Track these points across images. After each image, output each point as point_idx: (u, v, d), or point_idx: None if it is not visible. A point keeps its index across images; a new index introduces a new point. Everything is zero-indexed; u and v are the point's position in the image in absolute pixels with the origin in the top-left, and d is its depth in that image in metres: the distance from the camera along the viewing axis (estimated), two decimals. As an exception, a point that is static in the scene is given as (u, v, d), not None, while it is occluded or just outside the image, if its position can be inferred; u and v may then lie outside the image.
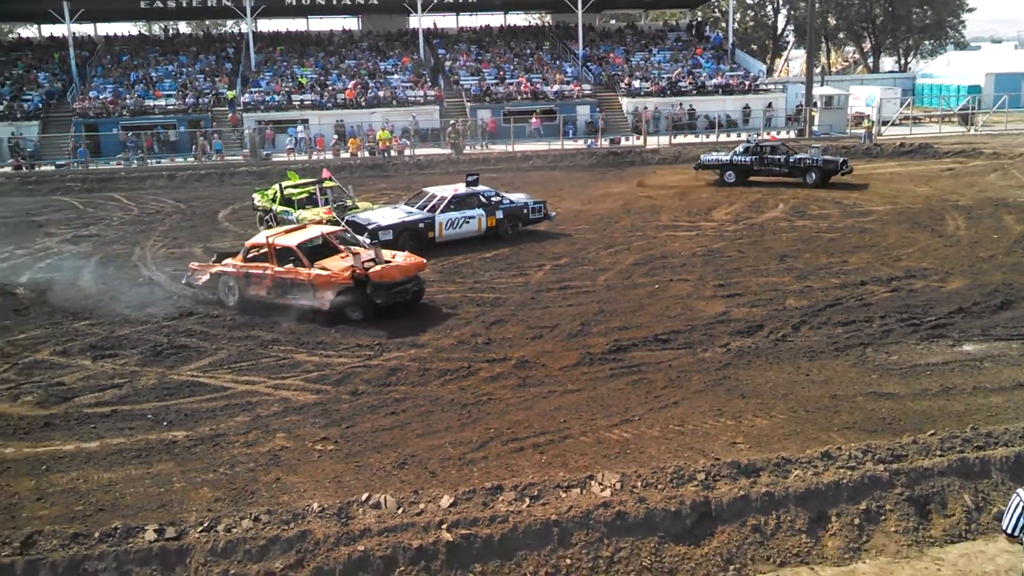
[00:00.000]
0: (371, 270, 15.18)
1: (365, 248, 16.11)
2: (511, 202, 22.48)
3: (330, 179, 23.17)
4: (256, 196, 24.88)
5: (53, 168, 39.27)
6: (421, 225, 20.68)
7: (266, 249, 16.17)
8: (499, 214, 21.84)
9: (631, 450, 9.98)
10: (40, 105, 45.42)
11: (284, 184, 23.55)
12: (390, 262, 15.68)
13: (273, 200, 23.36)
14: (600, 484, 8.62)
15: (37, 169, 39.31)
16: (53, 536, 7.93)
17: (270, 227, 22.54)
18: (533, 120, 45.38)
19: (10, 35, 65.69)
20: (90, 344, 14.36)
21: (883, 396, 11.27)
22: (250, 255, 16.53)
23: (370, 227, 19.98)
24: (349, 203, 22.95)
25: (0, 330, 15.34)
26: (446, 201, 21.29)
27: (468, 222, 21.33)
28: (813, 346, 13.19)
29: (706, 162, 30.97)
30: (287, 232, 16.77)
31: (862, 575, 7.55)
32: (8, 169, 39.29)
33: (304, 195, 22.89)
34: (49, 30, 57.50)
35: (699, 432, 10.39)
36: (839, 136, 42.95)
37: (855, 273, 17.43)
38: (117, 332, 15.00)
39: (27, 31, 64.68)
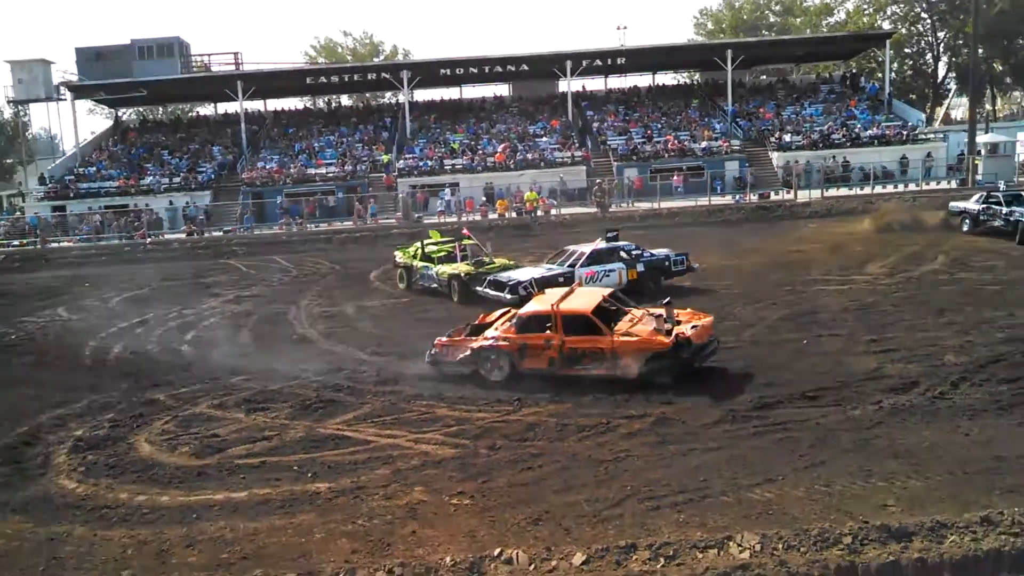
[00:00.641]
0: (688, 332, 14.56)
1: (660, 308, 15.35)
2: (652, 255, 22.35)
3: (469, 237, 24.32)
4: (398, 254, 25.96)
5: (221, 234, 41.86)
6: (561, 280, 20.56)
7: (549, 317, 14.93)
8: (640, 267, 21.73)
9: (773, 511, 9.55)
10: (213, 176, 48.72)
11: (425, 242, 24.81)
12: (680, 322, 14.94)
13: (414, 257, 24.51)
14: (739, 545, 8.31)
15: (207, 235, 41.97)
16: (200, 582, 8.26)
17: (405, 281, 24.42)
18: (675, 178, 45.06)
19: (190, 114, 70.92)
20: (244, 398, 15.05)
21: (1053, 458, 10.40)
22: (525, 325, 15.16)
23: (510, 283, 20.33)
24: (486, 259, 23.58)
25: (164, 384, 16.30)
26: (585, 256, 21.34)
27: (608, 275, 21.26)
28: (974, 404, 12.34)
29: (952, 210, 30.07)
30: (564, 298, 15.39)
31: (1027, 652, 6.92)
32: (181, 235, 42.17)
33: (443, 252, 24.10)
34: (224, 107, 61.87)
35: (847, 494, 9.84)
36: (1009, 184, 40.56)
37: (1022, 328, 16.28)
38: (270, 387, 15.67)
39: (204, 109, 69.75)
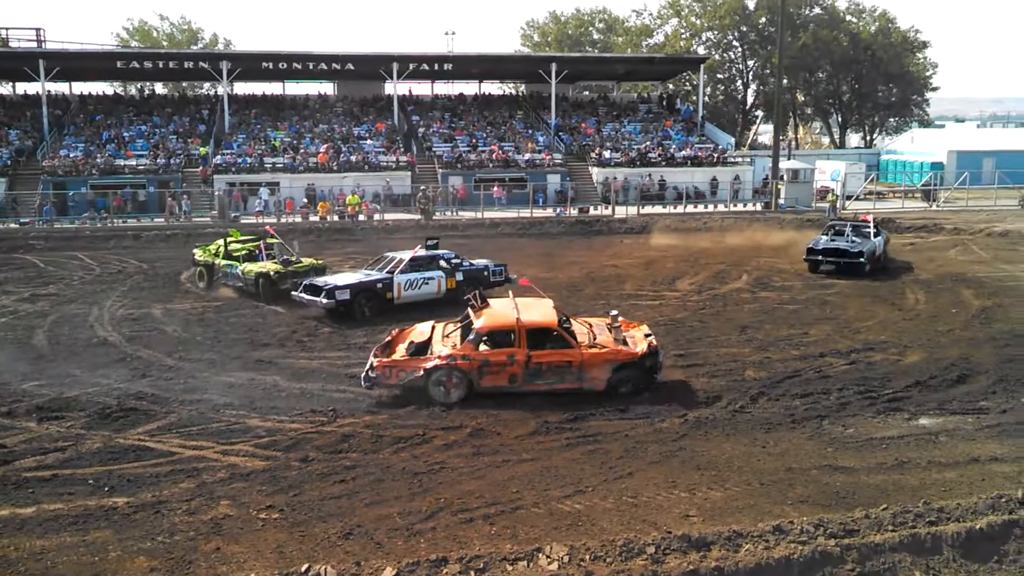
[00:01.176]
0: (650, 342, 14.53)
1: (609, 319, 15.18)
2: (471, 264, 22.64)
3: (273, 236, 24.75)
4: (197, 252, 25.58)
5: (17, 226, 38.89)
6: (379, 286, 20.71)
7: (512, 332, 14.31)
8: (459, 276, 21.91)
9: (583, 522, 9.80)
10: (9, 162, 45.19)
11: (228, 240, 24.61)
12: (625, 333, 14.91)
13: (216, 255, 24.31)
14: (548, 557, 8.44)
15: (0, 227, 38.89)
16: (-26, 607, 7.61)
17: (206, 280, 24.31)
18: (495, 189, 45.60)
19: (-17, 92, 65.64)
20: (37, 405, 14.03)
21: (838, 469, 11.19)
22: (485, 340, 14.44)
23: (327, 288, 20.05)
24: (293, 259, 23.53)
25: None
26: (405, 263, 21.32)
27: (427, 283, 21.40)
28: (771, 418, 13.14)
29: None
30: (521, 310, 14.70)
31: (811, 655, 7.38)
32: (-29, 226, 38.92)
33: (245, 251, 24.02)
34: (23, 88, 57.57)
35: (652, 504, 10.24)
36: (805, 209, 43.55)
37: (815, 345, 17.52)
38: (66, 394, 14.68)
39: (1, 89, 64.73)
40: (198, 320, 20.56)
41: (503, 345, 14.27)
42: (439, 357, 14.19)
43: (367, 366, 14.53)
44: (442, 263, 22.00)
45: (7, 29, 52.41)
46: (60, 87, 55.48)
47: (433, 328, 15.79)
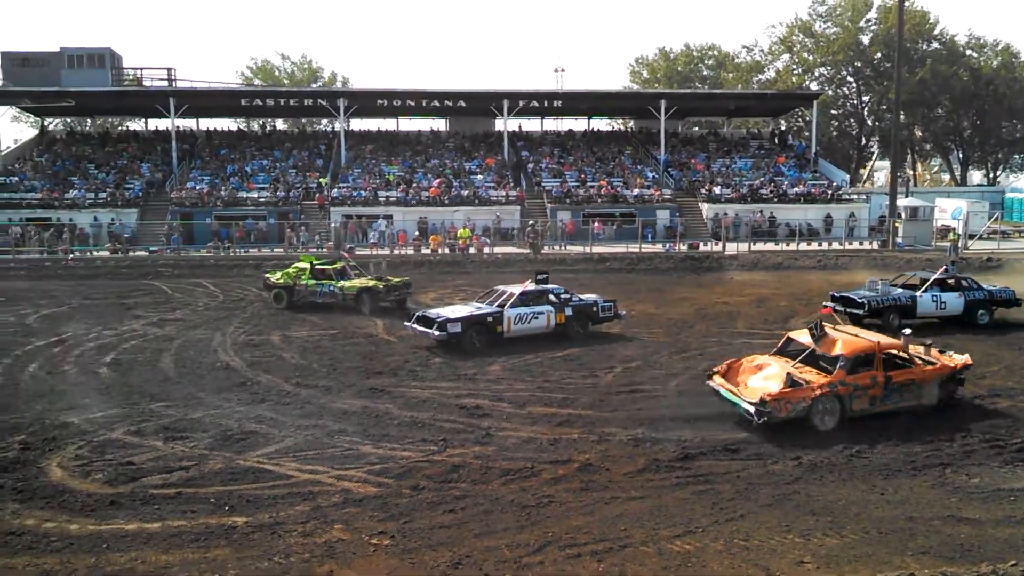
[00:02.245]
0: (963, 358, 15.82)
1: (905, 337, 15.74)
2: (581, 300, 22.67)
3: (348, 259, 28.42)
4: (269, 275, 28.36)
5: (147, 253, 40.92)
6: (490, 319, 20.93)
7: (871, 355, 14.68)
8: (568, 311, 21.94)
9: (692, 563, 9.64)
10: (140, 194, 47.69)
11: (315, 263, 27.78)
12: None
13: (296, 278, 27.10)
14: (658, 597, 8.33)
15: (131, 254, 40.98)
16: (103, 617, 7.97)
17: (284, 300, 27.08)
18: (595, 224, 45.48)
19: (119, 128, 69.51)
20: (163, 425, 14.68)
21: (962, 521, 10.70)
22: (855, 365, 14.61)
23: (439, 320, 20.45)
24: (383, 277, 26.51)
25: (79, 408, 15.81)
26: (515, 297, 21.52)
27: (537, 318, 21.49)
28: (890, 464, 12.67)
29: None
30: (852, 336, 15.29)
31: None
32: (105, 253, 41.11)
33: (334, 271, 26.98)
34: (155, 124, 60.75)
35: (764, 548, 10.00)
36: (924, 248, 42.12)
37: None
38: (190, 415, 15.31)
39: (134, 124, 68.41)
40: (314, 348, 21.18)
41: (864, 369, 14.64)
42: (820, 387, 14.22)
43: (751, 402, 14.11)
44: (551, 297, 22.07)
45: (141, 69, 55.60)
46: (188, 123, 58.39)
47: (767, 360, 15.82)
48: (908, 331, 15.93)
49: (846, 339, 15.06)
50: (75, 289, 31.98)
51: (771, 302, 27.99)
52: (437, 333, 20.26)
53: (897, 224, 44.00)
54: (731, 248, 41.94)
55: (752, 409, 14.01)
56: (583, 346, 20.99)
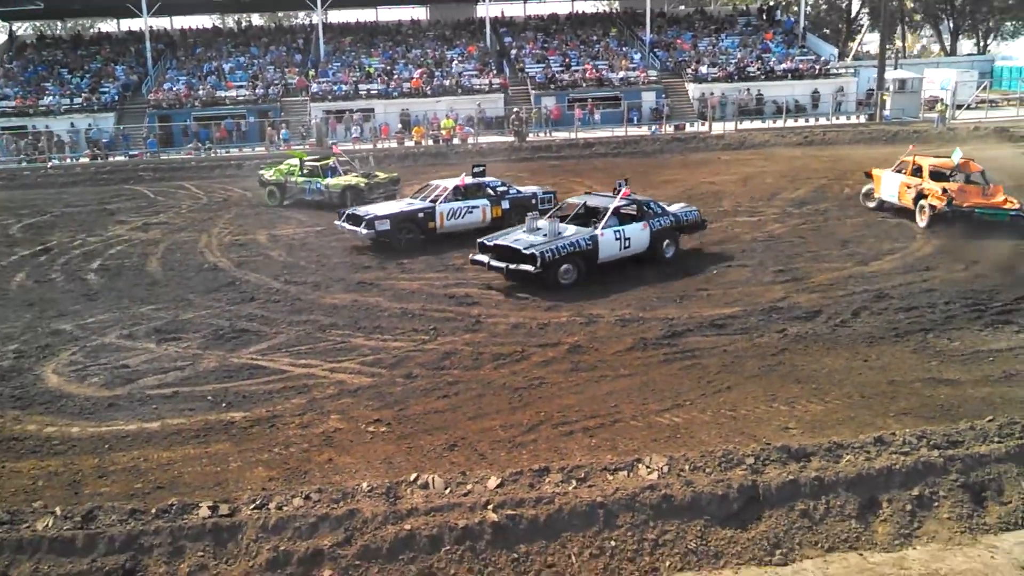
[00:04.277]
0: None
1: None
2: (519, 192, 21.97)
3: (339, 155, 27.08)
4: (264, 172, 27.81)
5: (126, 158, 40.39)
6: (421, 215, 20.15)
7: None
8: (505, 204, 21.20)
9: (681, 434, 9.91)
10: (116, 97, 46.72)
11: (303, 159, 26.93)
12: None
13: (288, 174, 26.50)
14: (647, 467, 8.57)
15: (111, 159, 40.45)
16: (112, 511, 8.17)
17: (278, 198, 26.75)
18: (577, 110, 44.73)
19: (91, 29, 67.57)
20: (155, 328, 14.77)
21: (942, 382, 10.99)
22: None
23: (367, 218, 19.68)
24: (371, 173, 25.49)
25: (70, 314, 15.88)
26: (448, 191, 20.73)
27: (471, 212, 20.73)
28: (872, 332, 12.92)
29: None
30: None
31: (913, 561, 7.37)
32: (84, 159, 40.59)
33: (320, 169, 26.04)
34: (127, 24, 59.04)
35: (751, 417, 10.27)
36: (911, 120, 41.81)
37: (919, 258, 17.01)
38: (181, 316, 15.41)
39: (106, 25, 66.49)
40: (301, 245, 21.17)
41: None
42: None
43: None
44: (488, 191, 21.31)
45: (111, -34, 53.60)
46: (161, 22, 56.70)
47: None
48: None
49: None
50: (56, 197, 31.66)
51: (757, 180, 27.92)
52: (364, 231, 19.62)
53: (885, 97, 43.50)
54: (718, 128, 41.55)
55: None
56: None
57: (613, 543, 7.66)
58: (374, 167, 25.71)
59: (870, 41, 75.35)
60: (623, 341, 13.05)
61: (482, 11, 55.21)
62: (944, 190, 19.46)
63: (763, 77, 48.48)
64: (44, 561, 7.58)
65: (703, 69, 49.13)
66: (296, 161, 27.12)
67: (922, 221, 19.93)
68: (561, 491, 8.21)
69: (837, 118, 44.45)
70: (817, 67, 49.35)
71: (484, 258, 16.67)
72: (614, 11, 64.82)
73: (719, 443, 9.41)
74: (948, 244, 18.14)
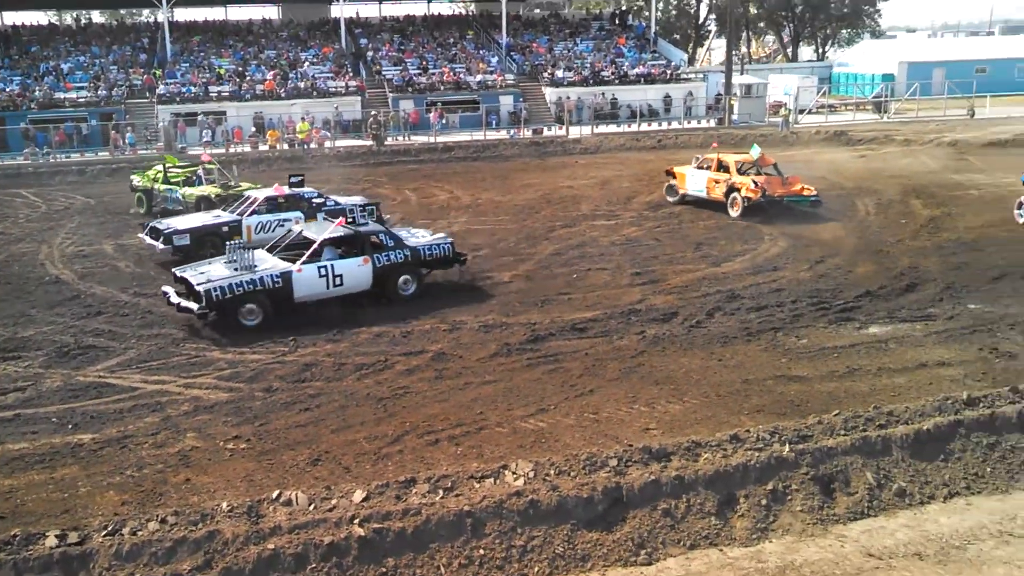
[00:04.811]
0: None
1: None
2: (336, 203, 20.54)
3: (210, 162, 24.92)
4: (135, 177, 26.27)
5: (-45, 164, 37.75)
6: (225, 229, 18.82)
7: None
8: (320, 216, 19.46)
9: (546, 439, 10.03)
10: (-58, 98, 43.61)
11: (167, 166, 25.30)
12: None
13: (155, 180, 24.81)
14: (514, 473, 8.63)
15: (-61, 165, 37.73)
16: (-53, 544, 7.64)
17: (145, 205, 24.99)
18: (432, 114, 44.70)
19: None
20: (-9, 347, 13.87)
21: (792, 379, 11.54)
22: None
23: (166, 231, 18.78)
24: (231, 183, 23.69)
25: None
26: (258, 203, 19.71)
27: (283, 225, 19.12)
28: (726, 332, 13.44)
29: None
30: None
31: (769, 554, 7.69)
32: (-92, 165, 37.68)
33: (184, 176, 24.54)
34: (-50, 20, 55.28)
35: (613, 419, 10.49)
36: (758, 124, 43.73)
37: (767, 259, 17.81)
38: (21, 333, 14.51)
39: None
40: (151, 255, 20.26)
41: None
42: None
43: None
44: (303, 203, 20.09)
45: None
46: (-10, 18, 53.37)
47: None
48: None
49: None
50: None
51: (614, 184, 28.59)
52: (161, 246, 18.50)
53: (733, 102, 45.34)
54: (575, 132, 42.32)
55: None
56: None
57: (482, 552, 7.67)
58: (237, 177, 24.33)
59: (718, 47, 78.37)
60: (487, 347, 13.11)
61: (336, 11, 54.33)
62: (755, 183, 21.71)
63: (617, 81, 49.67)
64: None
65: (559, 73, 49.93)
66: (164, 166, 25.76)
67: (734, 212, 22.12)
68: (428, 502, 8.17)
69: (688, 122, 46.05)
70: (668, 72, 50.96)
71: (169, 290, 14.94)
72: (470, 13, 65.11)
73: (583, 446, 9.58)
74: (794, 242, 19.06)
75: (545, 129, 44.38)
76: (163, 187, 24.54)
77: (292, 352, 13.23)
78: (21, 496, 9.19)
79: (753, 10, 77.66)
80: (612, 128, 44.36)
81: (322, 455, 9.84)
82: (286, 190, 20.25)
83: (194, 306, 14.04)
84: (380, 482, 8.60)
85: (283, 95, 45.38)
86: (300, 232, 16.12)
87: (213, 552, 7.49)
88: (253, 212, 19.48)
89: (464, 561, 7.60)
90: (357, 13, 58.43)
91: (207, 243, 18.52)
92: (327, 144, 40.10)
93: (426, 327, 14.17)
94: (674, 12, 77.79)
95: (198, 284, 14.12)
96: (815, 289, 15.51)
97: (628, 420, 10.46)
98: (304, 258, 14.96)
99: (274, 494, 8.40)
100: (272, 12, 59.87)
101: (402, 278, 15.77)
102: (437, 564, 7.57)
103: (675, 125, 45.29)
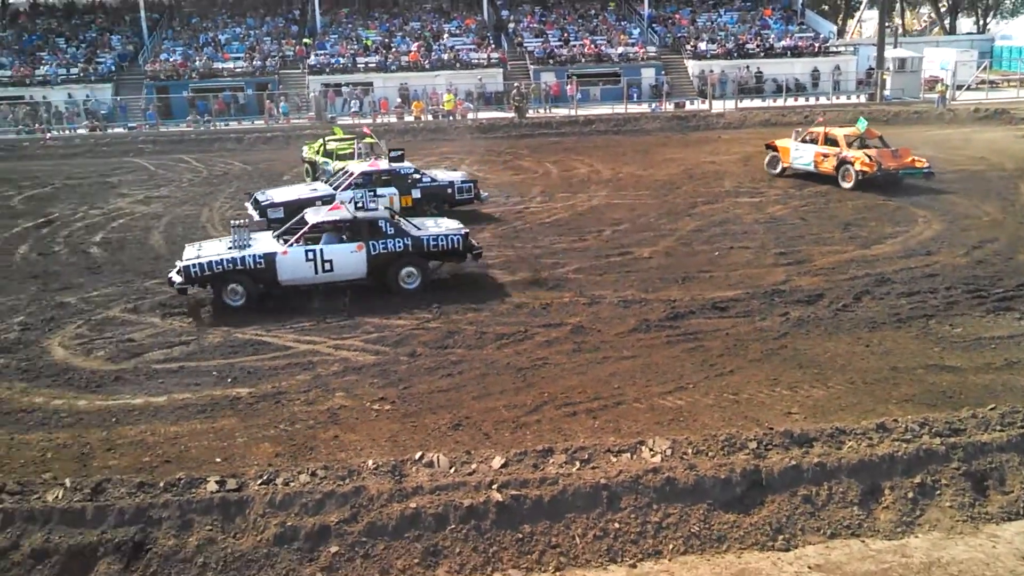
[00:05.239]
0: None
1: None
2: (432, 180, 20.85)
3: (370, 136, 24.77)
4: (305, 148, 26.93)
5: (125, 130, 40.20)
6: (319, 202, 18.53)
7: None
8: (416, 193, 20.29)
9: (684, 417, 10.00)
10: (113, 68, 46.41)
11: (328, 138, 25.78)
12: None
13: (318, 152, 25.30)
14: (651, 450, 8.67)
15: (110, 131, 40.25)
16: (121, 484, 8.27)
17: (311, 176, 24.96)
18: (569, 87, 44.43)
19: (84, -2, 66.95)
20: (159, 302, 14.80)
21: (944, 369, 11.08)
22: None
23: (264, 203, 19.38)
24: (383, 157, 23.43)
25: (75, 288, 15.89)
26: (353, 178, 19.98)
27: (377, 200, 18.01)
28: (875, 317, 13.00)
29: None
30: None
31: (914, 549, 7.49)
32: (83, 131, 40.39)
33: (343, 150, 24.54)
34: (121, -8, 58.45)
35: (754, 401, 10.36)
36: (912, 100, 41.75)
37: (921, 242, 17.08)
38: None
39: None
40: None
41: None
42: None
43: None
44: (398, 178, 20.32)
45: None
46: (156, -9, 56.12)
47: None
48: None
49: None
50: (56, 169, 31.54)
51: (757, 160, 27.84)
52: (258, 217, 19.01)
53: (885, 76, 43.40)
54: (718, 106, 41.46)
55: None
56: (571, 212, 21.02)
57: (617, 525, 7.76)
58: (385, 151, 24.47)
59: (869, 18, 74.91)
60: (626, 322, 13.12)
61: (479, -19, 54.86)
62: (869, 156, 22.16)
63: (762, 54, 48.30)
64: (55, 532, 7.68)
65: (702, 46, 48.92)
66: (325, 139, 26.18)
67: (847, 184, 22.57)
68: (565, 472, 8.31)
69: (837, 97, 44.36)
70: (816, 45, 49.15)
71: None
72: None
73: (722, 427, 9.50)
74: (950, 225, 18.21)
75: (687, 103, 43.64)
76: (322, 160, 24.85)
77: (436, 319, 13.59)
78: (185, 442, 9.84)
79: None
80: (757, 103, 43.18)
81: (463, 420, 10.12)
82: (382, 165, 20.57)
83: (178, 279, 14.20)
84: (518, 450, 8.80)
85: (427, 66, 46.16)
86: (303, 215, 15.71)
87: (359, 507, 7.85)
88: (349, 187, 19.57)
89: (599, 533, 7.71)
90: (500, -16, 58.60)
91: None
92: (470, 116, 40.61)
93: (565, 300, 14.28)
94: (824, -19, 74.67)
95: (184, 260, 14.32)
96: (972, 276, 14.78)
97: (769, 403, 10.31)
98: (291, 241, 14.70)
99: (417, 455, 8.71)
100: (417, -17, 60.73)
101: (404, 270, 14.96)
102: (572, 534, 7.70)
103: (823, 100, 43.70)
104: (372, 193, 18.66)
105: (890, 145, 23.06)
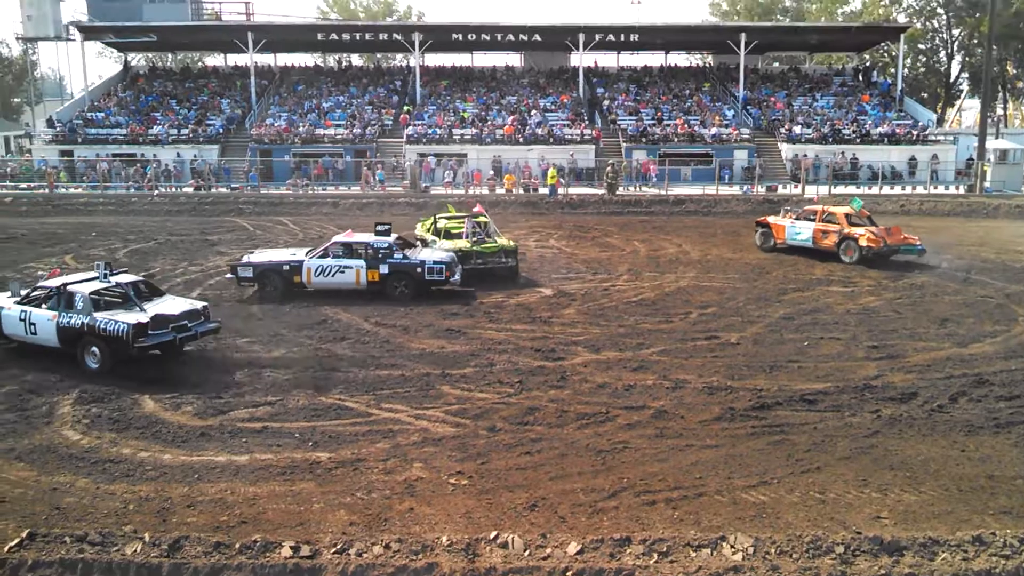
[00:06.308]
0: None
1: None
2: (404, 257, 20.36)
3: (482, 215, 24.17)
4: (418, 226, 26.40)
5: (228, 190, 41.76)
6: (286, 268, 20.08)
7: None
8: (384, 268, 19.94)
9: (767, 514, 9.70)
10: (221, 130, 48.47)
11: (439, 216, 25.45)
12: None
13: (428, 230, 24.81)
14: (732, 547, 8.44)
15: (213, 190, 41.86)
16: (198, 543, 8.42)
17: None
18: (651, 166, 44.42)
19: (199, 63, 70.46)
20: (248, 361, 15.15)
21: (1047, 481, 10.55)
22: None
23: (238, 264, 20.64)
24: (488, 238, 22.96)
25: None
26: (325, 246, 20.64)
27: (343, 272, 19.91)
28: (971, 420, 12.47)
29: None
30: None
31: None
32: (189, 189, 42.10)
33: (455, 229, 24.05)
34: (233, 60, 61.39)
35: (841, 502, 9.99)
36: (1013, 194, 40.60)
37: (1023, 343, 16.40)
38: (273, 352, 15.77)
39: (214, 60, 69.28)
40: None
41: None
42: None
43: None
44: (369, 251, 20.17)
45: (220, 3, 56.13)
46: (266, 59, 58.81)
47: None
48: None
49: None
50: (161, 224, 32.91)
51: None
52: (229, 275, 20.66)
53: (985, 168, 42.35)
54: (811, 191, 40.99)
55: None
56: (658, 292, 20.88)
57: (694, 624, 7.53)
58: (495, 230, 23.83)
59: (970, 108, 73.56)
60: (710, 410, 12.88)
61: (575, 60, 55.76)
62: (875, 233, 24.00)
63: (858, 140, 47.71)
64: (131, 587, 7.82)
65: (796, 129, 48.64)
66: (436, 217, 25.70)
67: (848, 258, 24.31)
68: (642, 564, 8.15)
69: (935, 188, 43.39)
70: (914, 133, 48.38)
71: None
72: (707, 65, 64.80)
73: (807, 527, 9.19)
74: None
75: (780, 187, 43.27)
76: (431, 238, 23.78)
77: (517, 394, 13.58)
78: (263, 504, 9.97)
79: (1011, 69, 72.31)
80: (851, 189, 42.47)
81: (539, 501, 10.01)
82: (348, 237, 20.85)
83: None
84: (595, 537, 8.67)
85: (521, 140, 46.92)
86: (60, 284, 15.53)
87: (432, 584, 7.80)
88: (316, 255, 20.35)
89: (678, 631, 7.49)
90: (596, 62, 59.59)
91: (267, 278, 20.15)
92: (560, 191, 40.95)
93: (649, 382, 14.11)
94: (922, 69, 73.81)
95: None
96: (1077, 382, 14.12)
97: (857, 505, 9.93)
98: (16, 300, 15.52)
99: (491, 535, 8.65)
100: (515, 59, 62.25)
101: (91, 347, 14.64)
102: (648, 629, 7.50)
103: (919, 190, 42.76)
104: (340, 263, 19.94)
105: (877, 224, 25.36)
